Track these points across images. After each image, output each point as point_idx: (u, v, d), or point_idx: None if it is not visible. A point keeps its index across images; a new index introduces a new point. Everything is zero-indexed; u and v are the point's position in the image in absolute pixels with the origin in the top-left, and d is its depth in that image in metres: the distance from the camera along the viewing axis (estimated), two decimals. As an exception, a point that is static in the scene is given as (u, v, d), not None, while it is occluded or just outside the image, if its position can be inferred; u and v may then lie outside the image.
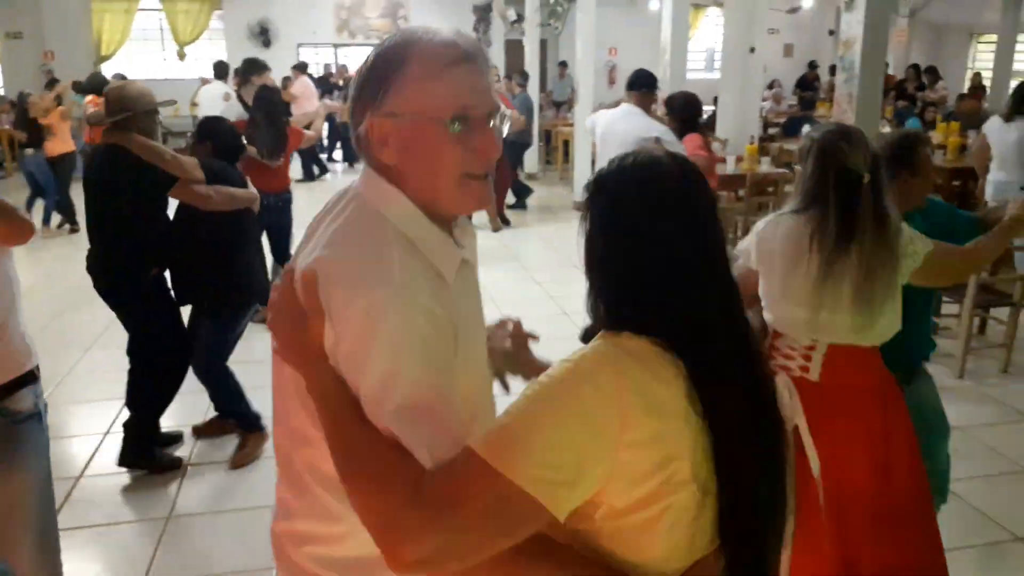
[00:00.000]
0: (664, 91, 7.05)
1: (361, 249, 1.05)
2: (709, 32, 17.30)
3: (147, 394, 3.53)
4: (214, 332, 3.55)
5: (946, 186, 7.29)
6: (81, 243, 3.82)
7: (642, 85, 4.61)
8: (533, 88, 11.54)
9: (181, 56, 15.26)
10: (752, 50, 10.12)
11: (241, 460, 3.59)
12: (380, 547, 0.95)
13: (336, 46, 16.21)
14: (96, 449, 3.74)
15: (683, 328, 1.02)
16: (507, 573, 0.99)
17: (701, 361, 1.01)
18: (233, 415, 3.69)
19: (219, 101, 7.82)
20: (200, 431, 3.86)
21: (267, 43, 15.52)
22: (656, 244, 1.05)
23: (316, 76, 13.45)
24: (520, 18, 12.56)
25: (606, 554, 1.01)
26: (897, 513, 2.09)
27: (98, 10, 14.63)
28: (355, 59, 16.13)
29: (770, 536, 1.10)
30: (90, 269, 3.41)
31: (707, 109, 13.09)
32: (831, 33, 15.76)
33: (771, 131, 11.02)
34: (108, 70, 13.96)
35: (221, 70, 8.67)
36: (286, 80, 10.74)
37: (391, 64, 1.08)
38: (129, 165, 3.20)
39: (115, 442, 3.70)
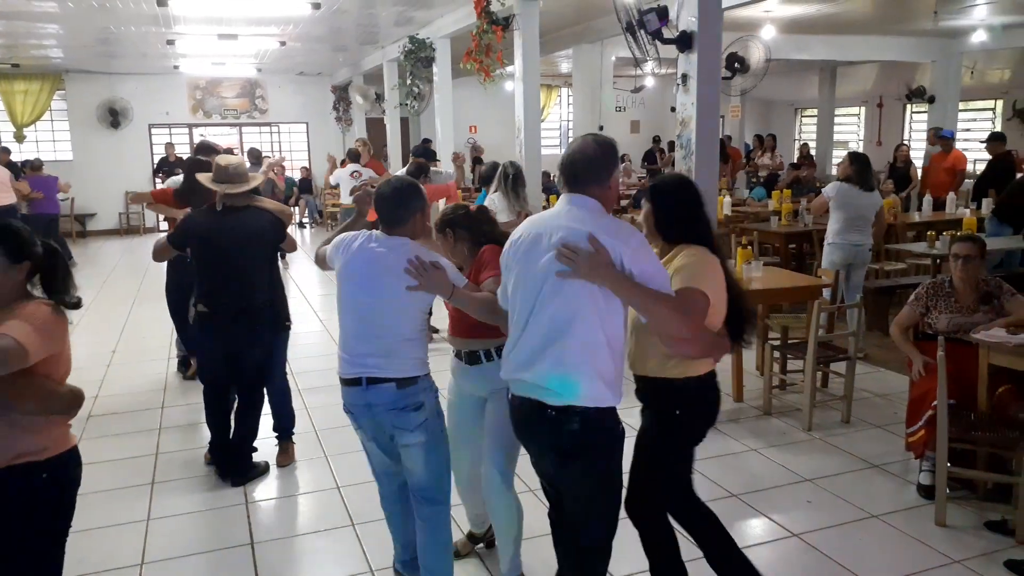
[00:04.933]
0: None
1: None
2: (562, 110, 18.16)
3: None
4: None
5: (783, 249, 7.89)
6: None
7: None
8: (396, 164, 11.68)
9: (19, 138, 14.39)
10: (601, 128, 10.72)
11: None
12: (670, 331, 2.29)
13: (192, 126, 15.80)
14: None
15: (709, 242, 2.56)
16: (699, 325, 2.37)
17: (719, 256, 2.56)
18: None
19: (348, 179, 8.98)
20: None
21: (116, 124, 14.90)
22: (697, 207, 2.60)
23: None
24: (380, 98, 12.75)
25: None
26: None
27: (-79, 90, 13.67)
28: (217, 138, 15.77)
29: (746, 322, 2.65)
30: None
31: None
32: (673, 110, 16.94)
33: (623, 203, 11.58)
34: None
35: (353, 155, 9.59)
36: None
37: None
38: None
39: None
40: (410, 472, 2.81)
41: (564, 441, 2.26)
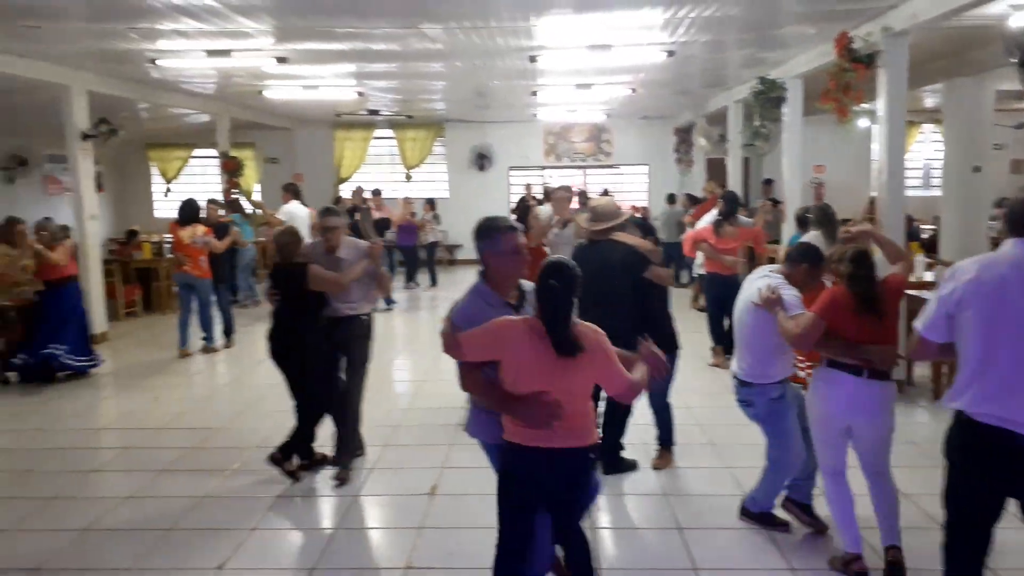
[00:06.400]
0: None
1: None
2: (923, 147, 16.50)
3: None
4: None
5: None
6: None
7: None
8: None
9: (408, 178, 16.90)
10: (977, 168, 9.56)
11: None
12: None
13: (543, 168, 17.21)
14: (327, 543, 4.09)
15: None
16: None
17: None
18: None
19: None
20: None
21: (483, 167, 16.81)
22: None
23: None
24: (723, 138, 12.73)
25: None
26: None
27: (340, 138, 16.69)
28: (564, 179, 17.12)
29: None
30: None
31: (927, 228, 12.37)
32: (1070, 145, 14.49)
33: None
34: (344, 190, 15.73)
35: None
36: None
37: None
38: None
39: (344, 536, 4.03)
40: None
41: None
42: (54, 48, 7.76)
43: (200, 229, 8.43)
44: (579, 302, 4.44)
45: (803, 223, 7.09)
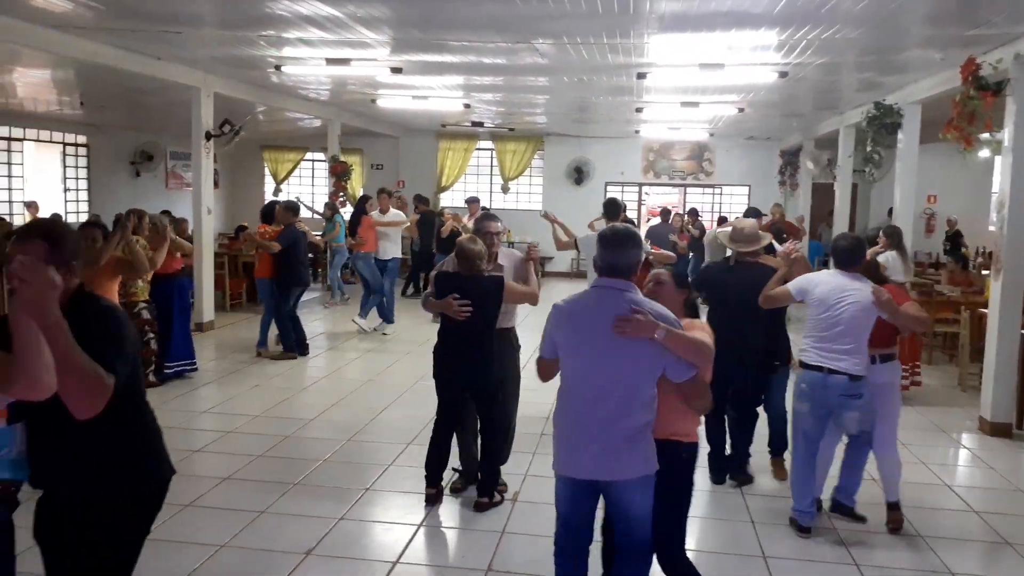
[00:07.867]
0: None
1: None
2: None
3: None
4: None
5: None
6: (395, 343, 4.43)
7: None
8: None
9: (504, 189, 17.10)
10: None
11: None
12: None
13: (641, 185, 17.09)
14: (411, 539, 4.18)
15: None
16: None
17: None
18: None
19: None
20: None
21: (579, 181, 16.83)
22: None
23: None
24: (832, 162, 12.35)
25: None
26: None
27: (443, 148, 17.06)
28: (660, 198, 16.98)
29: None
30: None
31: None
32: None
33: None
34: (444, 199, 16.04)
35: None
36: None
37: None
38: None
39: (429, 533, 4.11)
40: (849, 429, 4.24)
41: None
42: (189, 52, 8.26)
43: (256, 229, 8.56)
44: (720, 317, 4.76)
45: (872, 243, 7.37)
